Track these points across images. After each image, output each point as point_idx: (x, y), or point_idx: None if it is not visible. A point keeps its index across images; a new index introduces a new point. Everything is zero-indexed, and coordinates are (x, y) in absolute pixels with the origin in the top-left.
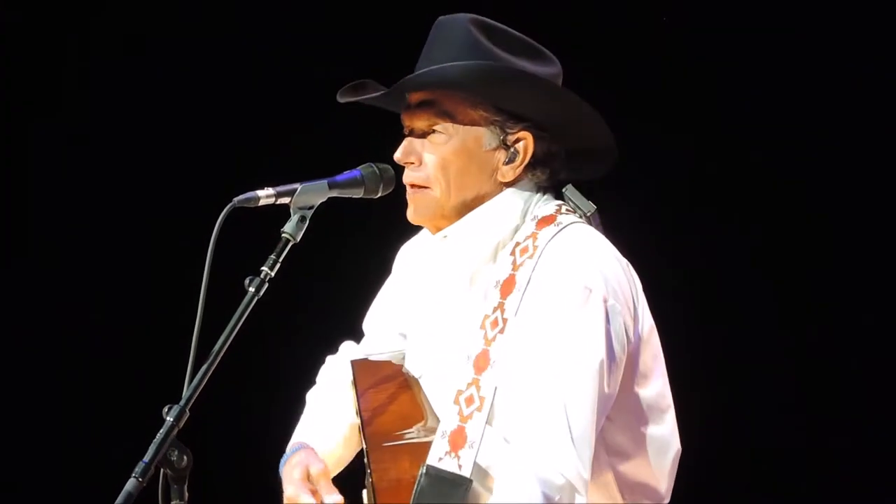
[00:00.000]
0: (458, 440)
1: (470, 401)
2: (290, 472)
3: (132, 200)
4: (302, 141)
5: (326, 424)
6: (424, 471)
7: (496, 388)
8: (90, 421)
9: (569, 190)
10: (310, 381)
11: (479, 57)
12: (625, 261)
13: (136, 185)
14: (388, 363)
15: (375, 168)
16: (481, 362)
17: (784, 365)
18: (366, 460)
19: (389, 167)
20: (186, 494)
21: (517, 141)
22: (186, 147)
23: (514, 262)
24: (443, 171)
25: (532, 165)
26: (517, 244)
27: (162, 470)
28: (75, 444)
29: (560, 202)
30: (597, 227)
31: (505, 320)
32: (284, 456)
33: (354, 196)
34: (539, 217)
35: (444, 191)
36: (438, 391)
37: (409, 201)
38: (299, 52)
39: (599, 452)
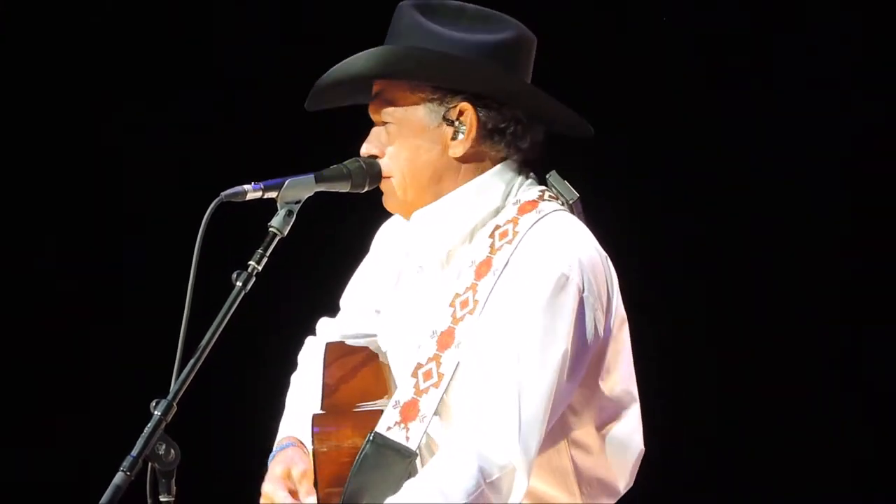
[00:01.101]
0: (409, 412)
1: (428, 375)
2: (273, 468)
3: (119, 195)
4: (290, 135)
5: (310, 411)
6: (371, 437)
7: (457, 367)
8: (78, 414)
9: (552, 176)
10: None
11: (420, 38)
12: (604, 253)
13: (123, 180)
14: (362, 347)
15: (362, 162)
16: (446, 339)
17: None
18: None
19: (377, 162)
20: (174, 488)
21: (460, 114)
22: (172, 142)
23: (492, 245)
24: (395, 158)
25: (485, 137)
26: (497, 227)
27: (150, 464)
28: (63, 438)
29: (543, 188)
30: (578, 215)
31: (476, 302)
32: (273, 451)
33: (341, 190)
34: (522, 202)
35: (401, 177)
36: (401, 365)
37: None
38: (282, 45)
39: (560, 443)
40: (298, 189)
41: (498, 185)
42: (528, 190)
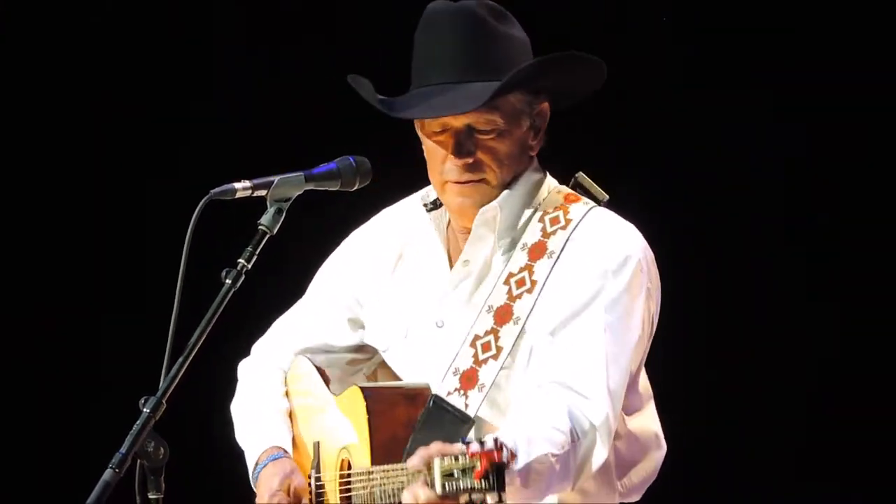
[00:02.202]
0: (469, 381)
1: (487, 347)
2: (270, 479)
3: (109, 193)
4: (281, 134)
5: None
6: (433, 400)
7: (516, 342)
8: (68, 412)
9: (581, 177)
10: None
11: (498, 43)
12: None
13: (112, 178)
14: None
15: (352, 161)
16: (503, 315)
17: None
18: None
19: (366, 160)
20: (163, 485)
21: (539, 113)
22: (162, 140)
23: (543, 230)
24: (498, 162)
25: (544, 132)
26: (545, 212)
27: (139, 461)
28: (53, 436)
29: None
30: None
31: (534, 282)
32: (262, 462)
33: (331, 188)
34: (564, 192)
35: (499, 179)
36: (411, 355)
37: (457, 193)
38: (281, 47)
39: None
40: (288, 187)
41: (540, 175)
42: (559, 185)
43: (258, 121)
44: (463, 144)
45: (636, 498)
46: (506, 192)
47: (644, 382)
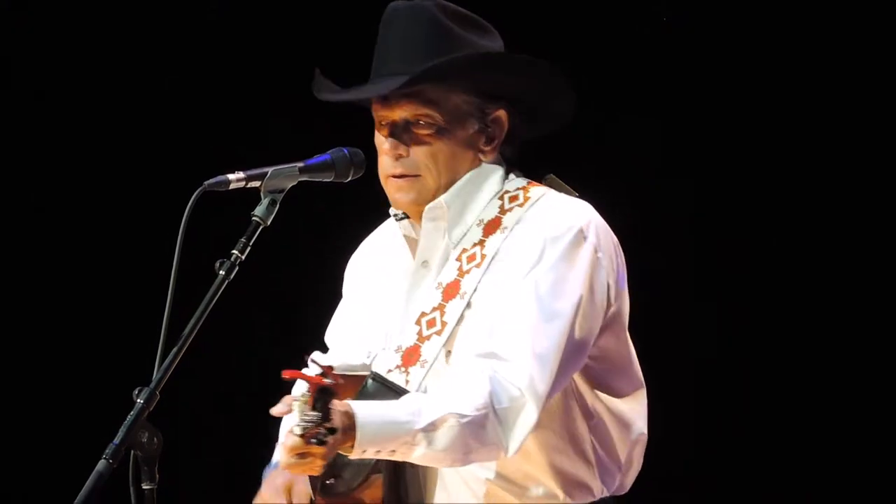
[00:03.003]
0: (411, 357)
1: (431, 323)
2: (274, 477)
3: (102, 184)
4: (272, 125)
5: None
6: (371, 376)
7: (461, 316)
8: (61, 403)
9: (551, 178)
10: (282, 363)
11: (451, 43)
12: (617, 241)
13: (106, 169)
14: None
15: (346, 152)
16: (451, 290)
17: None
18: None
19: (360, 151)
20: (157, 476)
21: (494, 120)
22: (156, 130)
23: (501, 207)
24: (433, 158)
25: (504, 143)
26: (506, 192)
27: (132, 452)
28: (47, 427)
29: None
30: None
31: (483, 256)
32: (269, 465)
33: (325, 180)
34: (530, 180)
35: (434, 177)
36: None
37: (395, 189)
38: (268, 36)
39: (575, 411)
40: (282, 178)
41: (497, 169)
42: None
43: (250, 110)
44: (397, 137)
45: (622, 481)
46: (456, 186)
47: (636, 370)
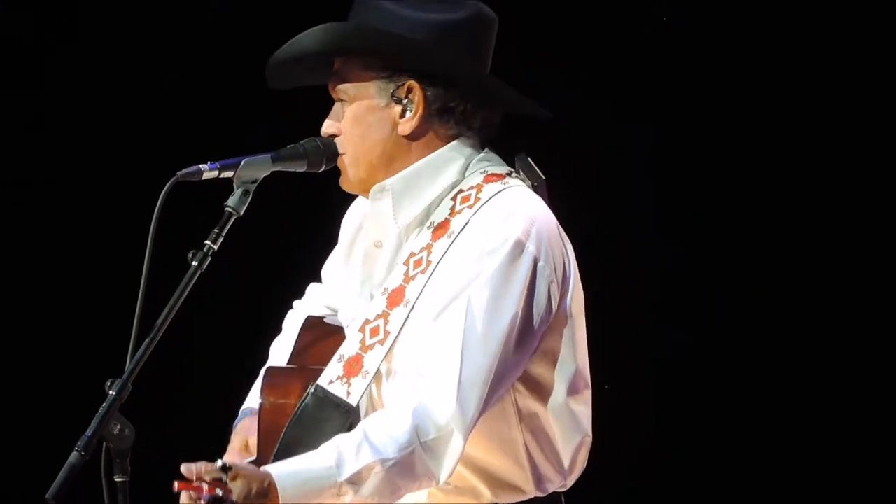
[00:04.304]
0: (353, 368)
1: (375, 332)
2: (233, 440)
3: (74, 175)
4: (247, 115)
5: None
6: (312, 390)
7: (403, 325)
8: (33, 395)
9: (520, 158)
10: (254, 356)
11: (375, 15)
12: (565, 236)
13: (78, 160)
14: (338, 326)
15: (319, 142)
16: (395, 297)
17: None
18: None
19: (333, 142)
20: (128, 468)
21: (408, 92)
22: (128, 121)
23: (452, 208)
24: (348, 136)
25: (433, 116)
26: (460, 191)
27: (104, 444)
28: (18, 419)
29: (510, 168)
30: (543, 198)
31: (429, 262)
32: (238, 417)
33: (298, 170)
34: (489, 172)
35: (352, 155)
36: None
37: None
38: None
39: (511, 415)
40: (255, 169)
41: (456, 158)
42: (494, 165)
43: (224, 100)
44: (332, 116)
45: (563, 482)
46: (407, 170)
47: (572, 369)
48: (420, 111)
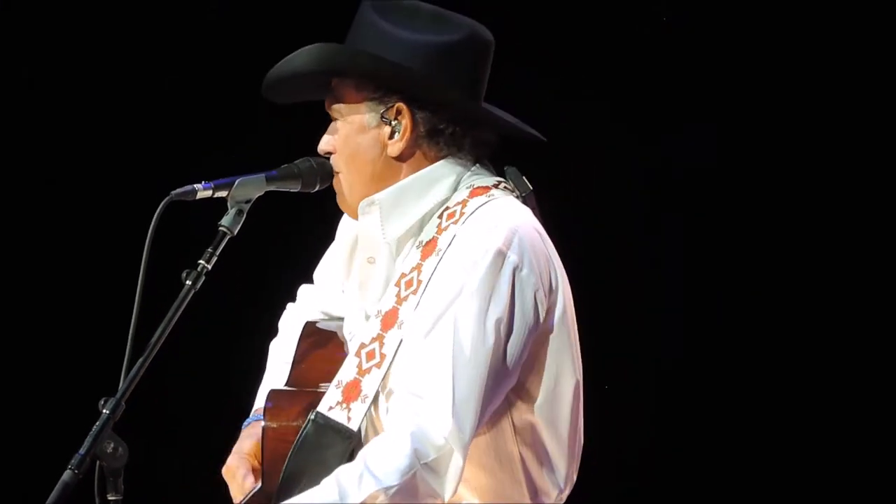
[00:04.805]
0: (351, 393)
1: (371, 356)
2: (242, 441)
3: (70, 193)
4: (241, 135)
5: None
6: (313, 417)
7: (398, 347)
8: (27, 413)
9: (510, 170)
10: (249, 371)
11: (369, 37)
12: (551, 244)
13: (73, 178)
14: (333, 332)
15: (313, 162)
16: (389, 320)
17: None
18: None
19: (328, 161)
20: (122, 487)
21: (397, 114)
22: (123, 140)
23: (439, 226)
24: (341, 155)
25: (422, 138)
26: (447, 208)
27: (98, 462)
28: (12, 437)
29: (500, 179)
30: (532, 209)
31: (420, 282)
32: (249, 419)
33: (292, 190)
34: (475, 186)
35: (345, 175)
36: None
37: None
38: (268, 36)
39: (505, 429)
40: (249, 188)
41: (446, 176)
42: (482, 178)
43: (218, 119)
44: (329, 133)
45: (560, 495)
46: (396, 186)
47: (563, 378)
48: (408, 133)
